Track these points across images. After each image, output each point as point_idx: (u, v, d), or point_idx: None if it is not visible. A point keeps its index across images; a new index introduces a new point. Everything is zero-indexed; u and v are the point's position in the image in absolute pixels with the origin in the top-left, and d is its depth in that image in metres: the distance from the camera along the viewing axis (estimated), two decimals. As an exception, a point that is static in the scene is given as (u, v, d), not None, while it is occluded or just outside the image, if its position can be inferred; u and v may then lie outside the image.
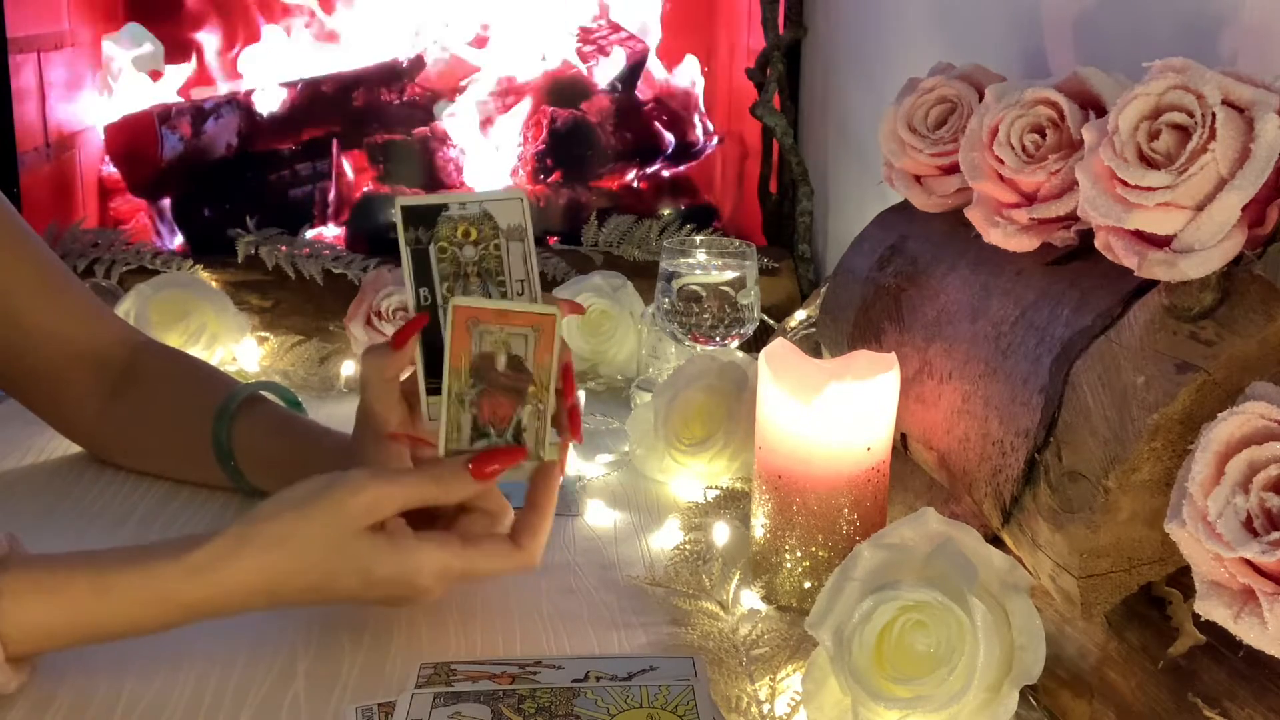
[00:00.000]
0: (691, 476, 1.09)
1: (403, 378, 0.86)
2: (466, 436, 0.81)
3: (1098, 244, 0.72)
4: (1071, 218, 0.78)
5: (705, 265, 1.21)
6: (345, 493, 0.76)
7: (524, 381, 0.80)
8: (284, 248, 1.59)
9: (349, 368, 1.36)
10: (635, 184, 1.90)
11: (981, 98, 0.90)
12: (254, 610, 0.76)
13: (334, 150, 1.82)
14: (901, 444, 0.92)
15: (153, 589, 0.73)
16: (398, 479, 0.79)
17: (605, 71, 1.89)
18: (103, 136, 1.83)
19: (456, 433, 0.81)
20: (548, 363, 0.80)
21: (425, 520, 0.81)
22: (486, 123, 1.87)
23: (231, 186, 1.78)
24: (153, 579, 0.73)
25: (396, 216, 0.83)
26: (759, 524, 0.89)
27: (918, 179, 0.97)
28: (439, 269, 0.83)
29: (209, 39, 1.94)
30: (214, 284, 1.47)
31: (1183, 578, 0.66)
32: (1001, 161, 0.81)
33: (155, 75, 1.87)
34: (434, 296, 0.83)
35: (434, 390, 0.82)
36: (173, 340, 1.27)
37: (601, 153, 1.87)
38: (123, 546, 0.76)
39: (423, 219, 0.83)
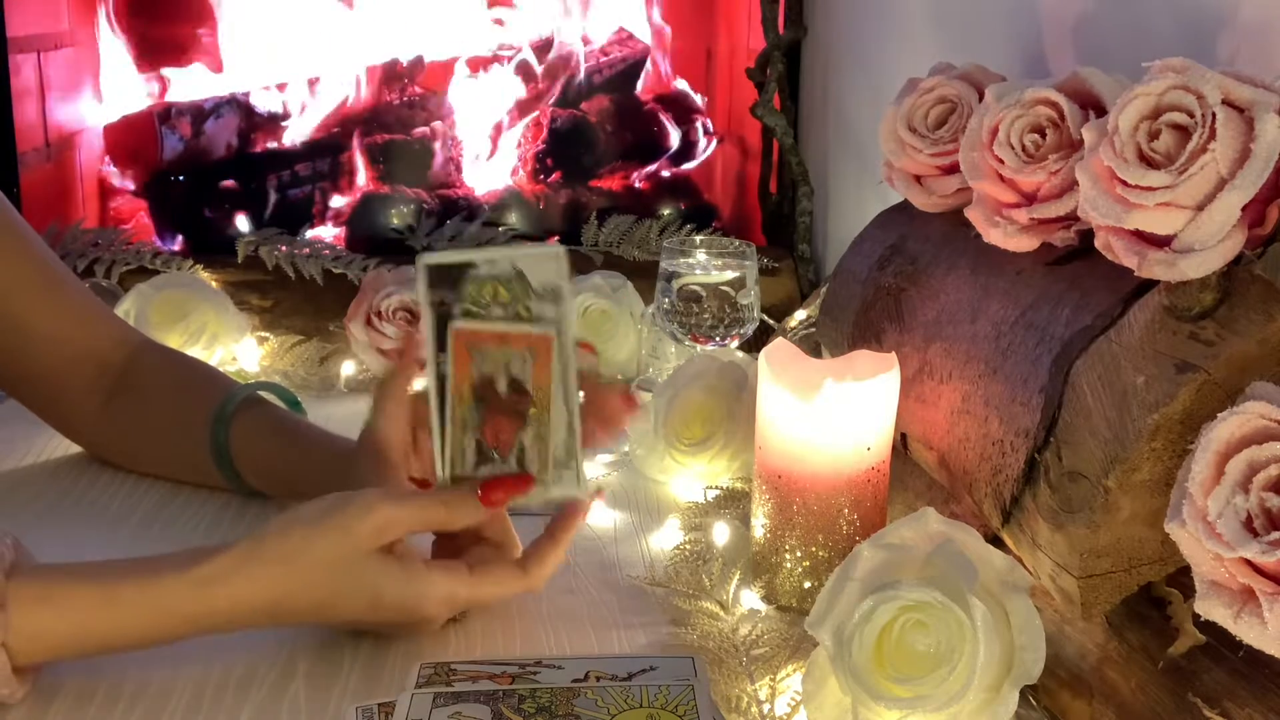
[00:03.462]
0: (691, 476, 1.09)
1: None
2: (471, 461, 0.79)
3: (1098, 244, 0.71)
4: (1071, 218, 0.78)
5: (705, 265, 1.21)
6: (356, 512, 0.76)
7: (524, 403, 0.78)
8: (284, 248, 1.59)
9: (349, 368, 1.36)
10: (635, 184, 1.90)
11: (981, 98, 0.90)
12: (258, 627, 0.76)
13: (352, 148, 1.81)
14: (901, 444, 0.92)
15: (159, 601, 0.73)
16: (407, 502, 0.79)
17: (606, 71, 1.89)
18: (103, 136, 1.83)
19: (461, 457, 0.79)
20: (546, 383, 0.78)
21: (445, 556, 0.83)
22: (486, 122, 1.87)
23: (231, 186, 1.78)
24: (159, 591, 0.73)
25: (419, 275, 0.77)
26: (759, 524, 0.89)
27: (918, 179, 0.97)
28: None
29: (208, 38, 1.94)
30: (214, 284, 1.47)
31: (1183, 578, 0.66)
32: (1001, 161, 0.81)
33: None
34: (449, 368, 0.78)
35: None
36: (173, 340, 1.27)
37: (601, 153, 1.87)
38: (129, 558, 0.76)
39: (447, 278, 0.77)
